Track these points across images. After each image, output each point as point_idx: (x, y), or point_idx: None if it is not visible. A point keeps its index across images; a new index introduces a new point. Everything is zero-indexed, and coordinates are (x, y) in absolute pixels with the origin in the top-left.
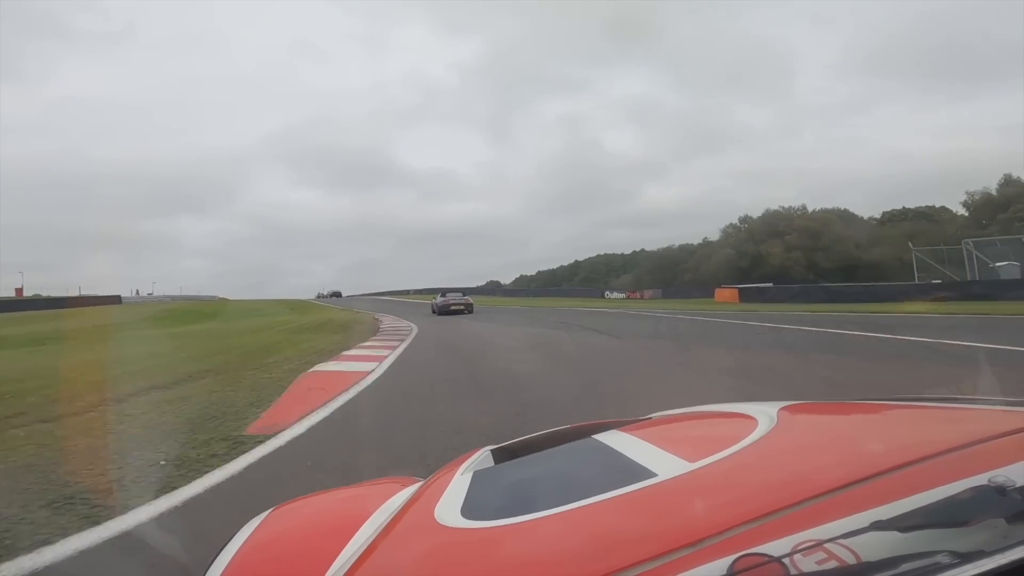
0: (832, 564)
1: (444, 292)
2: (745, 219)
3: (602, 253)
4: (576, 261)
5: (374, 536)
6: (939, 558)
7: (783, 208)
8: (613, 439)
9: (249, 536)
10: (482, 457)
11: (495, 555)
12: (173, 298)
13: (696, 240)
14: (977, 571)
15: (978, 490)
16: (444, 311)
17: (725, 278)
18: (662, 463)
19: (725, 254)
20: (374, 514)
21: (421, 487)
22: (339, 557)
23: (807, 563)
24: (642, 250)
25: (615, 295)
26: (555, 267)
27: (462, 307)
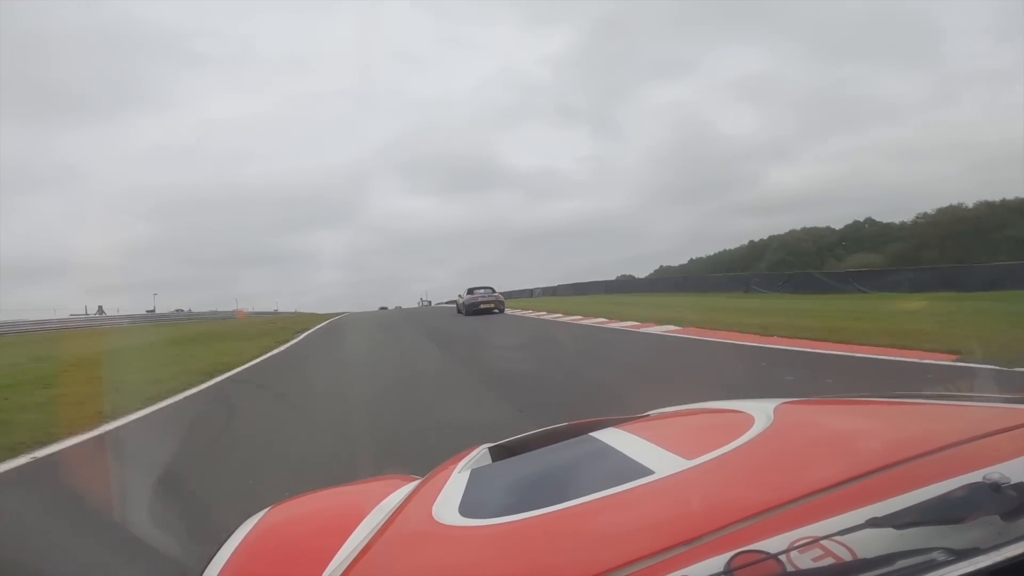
0: (828, 561)
1: (472, 289)
2: None
3: (809, 227)
4: (751, 242)
5: (372, 534)
6: (934, 555)
7: None
8: (610, 437)
9: (247, 534)
10: (479, 455)
11: (493, 553)
12: (177, 315)
13: (836, 224)
14: (972, 568)
15: (973, 487)
16: (473, 310)
17: None
18: (659, 461)
19: None
20: (372, 512)
21: (418, 485)
22: (337, 555)
23: (803, 560)
24: (868, 219)
25: None
26: (717, 251)
27: (492, 305)
